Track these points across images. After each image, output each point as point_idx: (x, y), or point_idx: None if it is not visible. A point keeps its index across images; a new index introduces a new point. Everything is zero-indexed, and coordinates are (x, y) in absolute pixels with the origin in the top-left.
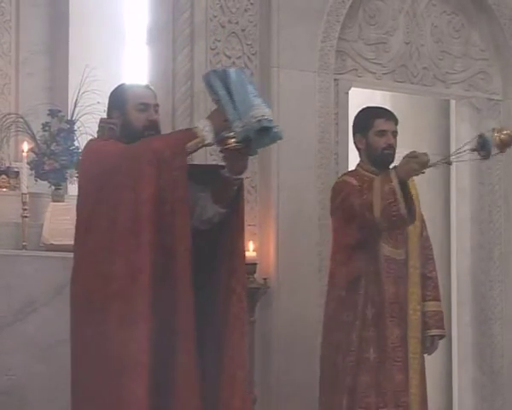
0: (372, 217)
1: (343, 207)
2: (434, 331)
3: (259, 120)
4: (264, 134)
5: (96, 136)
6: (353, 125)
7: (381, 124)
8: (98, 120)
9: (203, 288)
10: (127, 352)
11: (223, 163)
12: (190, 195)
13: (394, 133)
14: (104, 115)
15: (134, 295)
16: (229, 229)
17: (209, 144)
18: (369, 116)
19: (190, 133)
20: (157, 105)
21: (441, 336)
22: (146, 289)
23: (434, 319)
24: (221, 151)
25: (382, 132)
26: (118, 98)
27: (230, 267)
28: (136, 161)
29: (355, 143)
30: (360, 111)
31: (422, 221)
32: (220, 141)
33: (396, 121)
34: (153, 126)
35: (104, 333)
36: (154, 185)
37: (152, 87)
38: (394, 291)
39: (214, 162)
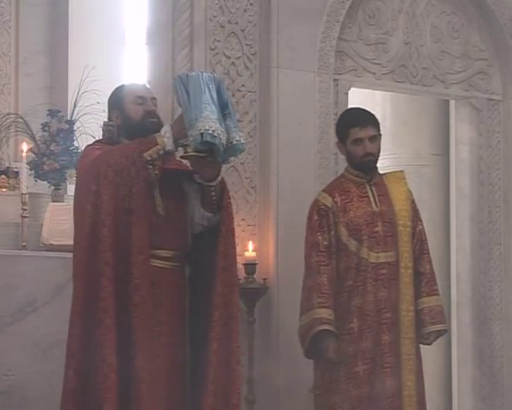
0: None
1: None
2: (430, 328)
3: (202, 134)
4: (212, 145)
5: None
6: (335, 132)
7: (356, 133)
8: (97, 120)
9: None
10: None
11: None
12: (183, 195)
13: (372, 138)
14: (103, 116)
15: (99, 315)
16: (219, 236)
17: (170, 151)
18: (344, 125)
19: (151, 140)
20: (154, 98)
21: (439, 331)
22: (109, 306)
23: (430, 315)
24: (181, 158)
25: (358, 141)
26: (115, 98)
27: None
28: (94, 175)
29: (338, 149)
30: (338, 118)
31: (414, 218)
32: (182, 148)
33: (374, 124)
34: (151, 115)
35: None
36: (111, 200)
37: (148, 86)
38: (385, 296)
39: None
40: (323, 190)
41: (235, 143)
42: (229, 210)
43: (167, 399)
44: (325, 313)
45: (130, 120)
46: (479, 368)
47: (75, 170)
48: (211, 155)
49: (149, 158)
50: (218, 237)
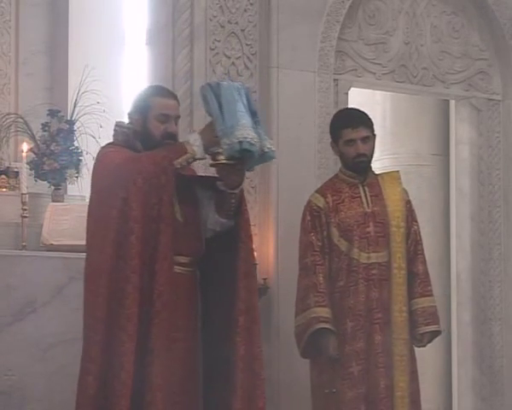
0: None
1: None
2: (423, 329)
3: (241, 142)
4: (248, 153)
5: (110, 140)
6: (329, 133)
7: (348, 134)
8: (97, 120)
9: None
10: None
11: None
12: (197, 201)
13: (365, 139)
14: (103, 116)
15: (121, 322)
16: (239, 242)
17: (200, 159)
18: (336, 126)
19: (180, 148)
20: (178, 117)
21: (433, 332)
22: (133, 314)
23: (423, 316)
24: (211, 166)
25: (351, 142)
26: (142, 103)
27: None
28: (122, 182)
29: (332, 149)
30: (332, 119)
31: (409, 218)
32: (211, 156)
33: (367, 124)
34: (171, 137)
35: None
36: (140, 208)
37: (177, 96)
38: (377, 296)
39: None
40: (316, 191)
41: (266, 150)
42: (247, 216)
43: (181, 404)
44: (322, 312)
45: (149, 133)
46: (479, 368)
47: (75, 170)
48: (241, 162)
49: (179, 166)
50: (239, 242)
